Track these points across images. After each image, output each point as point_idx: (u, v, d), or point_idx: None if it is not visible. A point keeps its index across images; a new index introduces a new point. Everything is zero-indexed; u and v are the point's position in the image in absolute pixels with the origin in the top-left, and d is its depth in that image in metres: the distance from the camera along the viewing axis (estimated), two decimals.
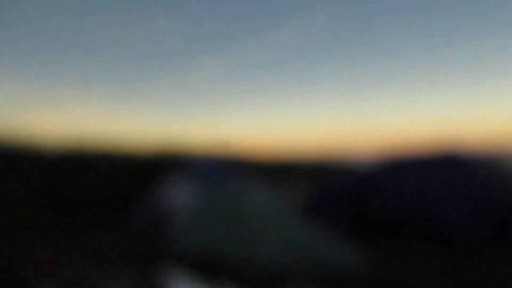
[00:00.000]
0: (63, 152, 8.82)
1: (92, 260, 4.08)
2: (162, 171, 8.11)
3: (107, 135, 9.82)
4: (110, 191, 7.96)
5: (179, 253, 4.63)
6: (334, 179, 7.16)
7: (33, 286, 3.42)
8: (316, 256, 4.45)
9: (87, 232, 5.09)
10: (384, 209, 6.22)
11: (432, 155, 6.50)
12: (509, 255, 5.26)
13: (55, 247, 4.39)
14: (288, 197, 7.90)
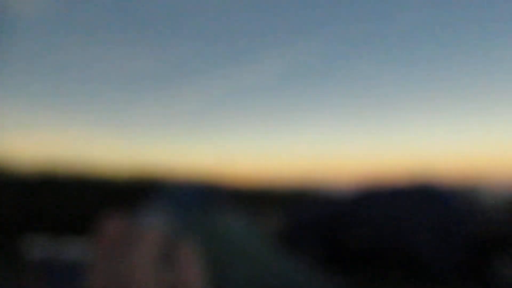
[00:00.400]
0: (36, 175, 8.60)
1: None
2: (137, 196, 7.96)
3: (83, 159, 9.63)
4: (81, 215, 7.75)
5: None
6: (312, 208, 7.15)
7: None
8: (292, 286, 4.38)
9: None
10: (360, 238, 6.21)
11: (408, 186, 6.58)
12: (480, 284, 5.31)
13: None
14: (265, 225, 7.83)
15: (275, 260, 4.61)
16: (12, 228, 6.97)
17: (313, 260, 6.41)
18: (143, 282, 0.61)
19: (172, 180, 8.69)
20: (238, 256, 4.43)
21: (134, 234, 0.71)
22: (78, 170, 9.25)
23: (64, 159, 9.04)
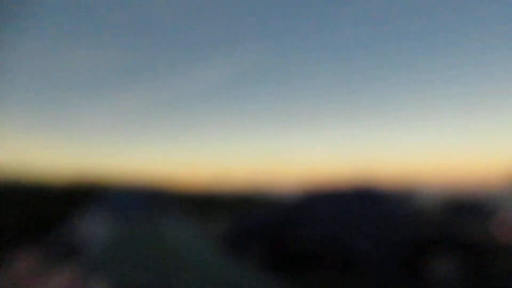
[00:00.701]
0: None
1: None
2: (79, 201, 7.62)
3: (20, 164, 9.10)
4: (18, 222, 7.35)
5: None
6: (257, 212, 7.19)
7: None
8: None
9: None
10: (303, 241, 6.32)
11: (349, 189, 6.78)
12: (415, 283, 5.57)
13: None
14: (211, 230, 7.76)
15: (220, 266, 4.58)
16: None
17: (258, 264, 6.43)
18: None
19: (113, 185, 8.41)
20: (181, 262, 4.36)
21: (43, 274, 0.67)
22: (16, 176, 8.75)
23: (1, 165, 8.52)
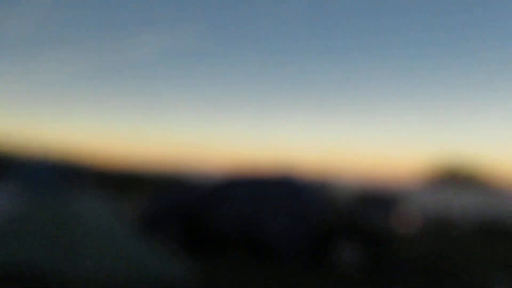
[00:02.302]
0: None
1: None
2: None
3: None
4: None
5: None
6: (176, 193, 7.17)
7: None
8: (146, 269, 4.37)
9: None
10: (220, 224, 6.44)
11: (269, 177, 7.00)
12: (329, 269, 5.93)
13: None
14: (129, 208, 7.61)
15: (131, 244, 4.54)
16: None
17: (173, 244, 6.45)
18: None
19: (26, 157, 7.91)
20: (89, 238, 4.26)
21: None
22: None
23: None
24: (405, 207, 8.35)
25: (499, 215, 21.31)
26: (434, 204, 23.41)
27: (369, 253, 6.00)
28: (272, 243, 6.19)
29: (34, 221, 4.40)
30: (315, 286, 4.94)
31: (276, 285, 4.89)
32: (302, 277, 5.35)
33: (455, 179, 40.38)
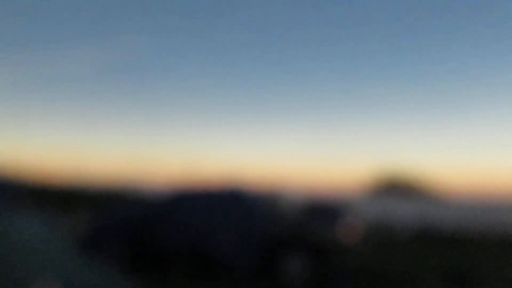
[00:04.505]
0: None
1: None
2: None
3: None
4: None
5: None
6: (122, 209, 6.96)
7: None
8: None
9: None
10: (167, 240, 6.32)
11: (218, 191, 6.98)
12: (276, 282, 5.97)
13: None
14: (69, 225, 7.28)
15: (69, 263, 4.34)
16: None
17: (118, 262, 6.23)
18: None
19: None
20: (28, 260, 4.02)
21: None
22: None
23: None
24: (350, 217, 8.61)
25: (436, 222, 22.49)
26: (376, 213, 24.29)
27: (315, 264, 6.12)
28: (220, 258, 6.16)
29: None
30: None
31: None
32: None
33: (396, 189, 42.26)
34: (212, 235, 6.32)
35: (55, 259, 4.26)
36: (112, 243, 6.30)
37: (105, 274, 4.50)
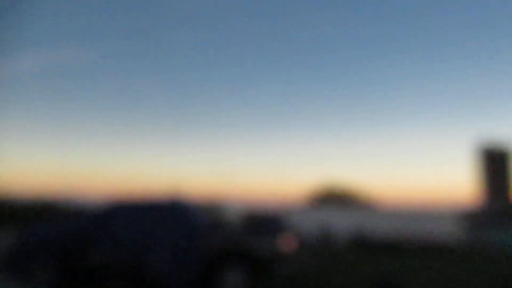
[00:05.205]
0: None
1: None
2: None
3: None
4: None
5: None
6: (51, 222, 6.59)
7: None
8: None
9: None
10: (100, 255, 6.08)
11: (156, 201, 6.81)
12: None
13: None
14: None
15: None
16: None
17: (48, 278, 5.89)
18: None
19: None
20: None
21: None
22: None
23: None
24: (289, 227, 8.77)
25: (370, 230, 23.48)
26: (315, 223, 24.93)
27: (255, 276, 6.16)
28: (156, 273, 6.01)
29: None
30: None
31: None
32: None
33: (333, 200, 43.64)
34: (148, 249, 6.16)
35: None
36: (42, 258, 5.93)
37: None
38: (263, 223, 7.75)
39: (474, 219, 28.68)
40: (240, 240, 6.35)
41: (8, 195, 11.28)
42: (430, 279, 8.28)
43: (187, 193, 7.54)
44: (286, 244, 6.57)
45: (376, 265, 10.87)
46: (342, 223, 25.01)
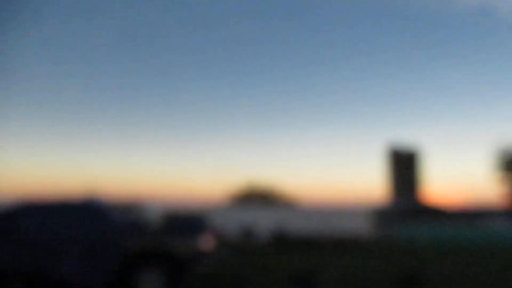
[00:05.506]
0: None
1: None
2: None
3: None
4: None
5: None
6: None
7: None
8: None
9: None
10: (4, 259, 5.61)
11: (69, 201, 6.43)
12: None
13: None
14: None
15: None
16: None
17: None
18: None
19: None
20: None
21: None
22: None
23: None
24: (210, 226, 8.77)
25: (289, 227, 24.27)
26: (237, 221, 25.19)
27: (173, 276, 6.06)
28: (65, 276, 5.68)
29: None
30: None
31: None
32: None
33: (255, 198, 44.38)
34: (58, 252, 5.79)
35: None
36: None
37: None
38: (183, 222, 7.65)
39: (383, 216, 30.84)
40: (158, 240, 6.21)
41: None
42: (342, 271, 8.76)
43: (104, 193, 7.22)
44: (206, 243, 6.55)
45: (295, 261, 11.24)
46: (263, 222, 25.55)
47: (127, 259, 6.00)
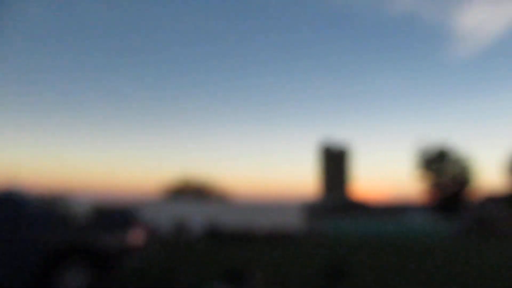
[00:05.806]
0: None
1: None
2: None
3: None
4: None
5: None
6: None
7: None
8: None
9: None
10: None
11: None
12: None
13: None
14: None
15: None
16: None
17: None
18: None
19: None
20: None
21: None
22: None
23: None
24: (140, 220, 8.56)
25: (224, 222, 24.32)
26: (170, 215, 24.75)
27: (98, 272, 5.84)
28: None
29: None
30: None
31: None
32: None
33: (188, 192, 43.92)
34: None
35: None
36: None
37: None
38: (110, 216, 7.37)
39: (313, 211, 31.92)
40: (83, 234, 5.94)
41: None
42: (272, 263, 8.95)
43: (24, 184, 6.75)
44: (135, 237, 6.37)
45: (227, 255, 11.29)
46: (196, 216, 25.33)
47: (49, 256, 5.68)
